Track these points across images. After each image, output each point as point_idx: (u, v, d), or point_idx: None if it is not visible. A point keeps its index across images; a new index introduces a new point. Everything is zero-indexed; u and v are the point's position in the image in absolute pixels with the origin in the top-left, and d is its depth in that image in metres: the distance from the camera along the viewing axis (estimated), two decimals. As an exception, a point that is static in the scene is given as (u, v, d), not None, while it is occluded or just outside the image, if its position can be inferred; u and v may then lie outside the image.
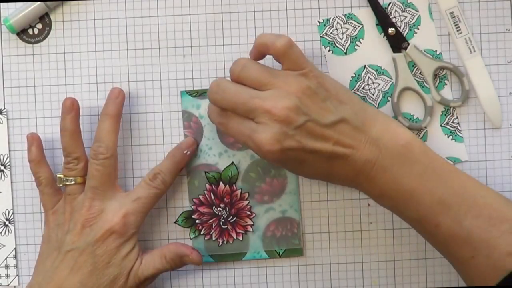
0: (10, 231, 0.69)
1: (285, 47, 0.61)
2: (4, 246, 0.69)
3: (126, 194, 0.65)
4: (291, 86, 0.59)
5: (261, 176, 0.69)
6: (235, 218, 0.69)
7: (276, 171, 0.69)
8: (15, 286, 0.69)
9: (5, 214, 0.69)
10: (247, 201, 0.69)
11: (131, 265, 0.64)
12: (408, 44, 0.68)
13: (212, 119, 0.63)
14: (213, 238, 0.69)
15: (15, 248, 0.69)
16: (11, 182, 0.69)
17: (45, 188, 0.66)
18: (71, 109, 0.65)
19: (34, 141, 0.67)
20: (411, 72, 0.68)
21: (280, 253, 0.69)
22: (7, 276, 0.69)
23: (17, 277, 0.69)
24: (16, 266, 0.69)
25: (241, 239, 0.69)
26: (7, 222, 0.69)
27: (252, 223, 0.69)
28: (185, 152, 0.67)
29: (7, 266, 0.69)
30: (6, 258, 0.69)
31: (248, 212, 0.69)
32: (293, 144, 0.59)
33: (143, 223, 0.65)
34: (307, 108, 0.59)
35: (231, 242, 0.69)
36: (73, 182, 0.65)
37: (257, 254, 0.69)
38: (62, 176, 0.65)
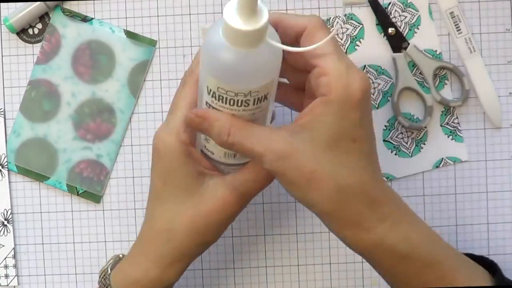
0: (8, 231, 0.69)
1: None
2: (3, 246, 0.69)
3: None
4: None
5: None
6: None
7: None
8: (14, 286, 0.69)
9: (4, 214, 0.69)
10: None
11: None
12: (408, 44, 0.68)
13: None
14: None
15: (14, 248, 0.69)
16: (9, 182, 0.69)
17: None
18: None
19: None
20: (411, 72, 0.68)
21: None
22: (6, 276, 0.69)
23: (16, 277, 0.69)
24: (15, 266, 0.69)
25: None
26: (5, 222, 0.69)
27: None
28: None
29: (6, 266, 0.69)
30: (5, 258, 0.69)
31: None
32: None
33: None
34: None
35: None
36: None
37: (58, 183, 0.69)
38: None
